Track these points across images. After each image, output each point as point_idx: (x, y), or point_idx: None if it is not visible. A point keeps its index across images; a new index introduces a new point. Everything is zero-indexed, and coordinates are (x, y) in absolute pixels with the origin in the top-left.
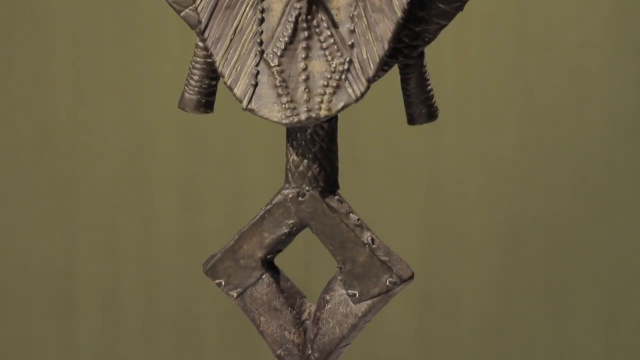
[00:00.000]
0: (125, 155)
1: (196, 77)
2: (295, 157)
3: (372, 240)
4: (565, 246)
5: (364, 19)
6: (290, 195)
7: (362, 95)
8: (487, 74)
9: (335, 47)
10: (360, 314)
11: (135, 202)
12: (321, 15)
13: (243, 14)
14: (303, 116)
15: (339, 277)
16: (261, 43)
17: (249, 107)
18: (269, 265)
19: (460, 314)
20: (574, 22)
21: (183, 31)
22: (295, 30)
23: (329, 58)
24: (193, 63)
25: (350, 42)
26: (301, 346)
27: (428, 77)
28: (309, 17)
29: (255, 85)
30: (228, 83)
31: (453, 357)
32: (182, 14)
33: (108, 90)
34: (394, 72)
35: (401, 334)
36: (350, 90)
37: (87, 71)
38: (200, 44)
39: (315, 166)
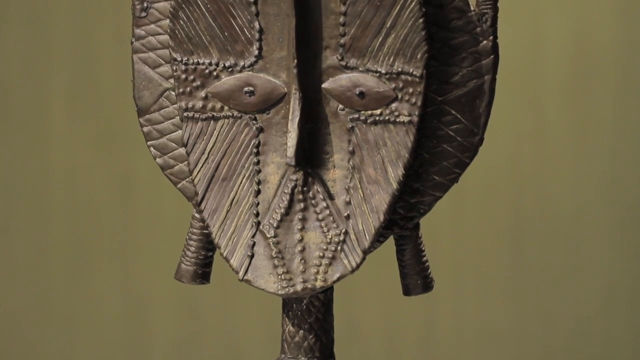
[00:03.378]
0: (121, 326)
1: (193, 248)
2: (291, 328)
3: None
4: None
5: (360, 190)
6: None
7: (358, 266)
8: (482, 245)
9: (331, 218)
10: None
11: None
12: (317, 187)
13: (239, 185)
14: (299, 287)
15: None
16: (257, 214)
17: (246, 278)
18: None
19: None
20: (569, 192)
21: (179, 202)
22: (291, 201)
23: (325, 229)
24: (189, 234)
25: (346, 214)
26: None
27: (423, 249)
28: (305, 188)
29: (252, 256)
30: (224, 254)
31: None
32: (178, 185)
33: (105, 259)
34: (390, 242)
35: None
36: (346, 262)
37: (84, 241)
38: (197, 215)
39: (311, 337)
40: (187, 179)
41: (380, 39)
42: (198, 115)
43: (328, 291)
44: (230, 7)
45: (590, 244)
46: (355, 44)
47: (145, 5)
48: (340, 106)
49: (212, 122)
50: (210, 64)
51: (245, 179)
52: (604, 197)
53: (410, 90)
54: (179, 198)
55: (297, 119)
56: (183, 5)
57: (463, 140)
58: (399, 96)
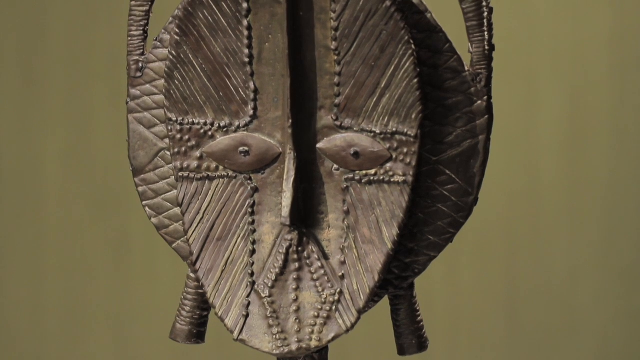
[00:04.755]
0: None
1: (188, 308)
2: None
3: None
4: None
5: (355, 250)
6: None
7: (353, 326)
8: (477, 304)
9: (326, 278)
10: None
11: None
12: (312, 247)
13: (234, 245)
14: (294, 347)
15: None
16: (252, 274)
17: (240, 337)
18: None
19: None
20: (563, 252)
21: (174, 262)
22: (286, 261)
23: (320, 289)
24: (185, 294)
25: (340, 273)
26: None
27: (418, 308)
28: (299, 248)
29: (247, 316)
30: (219, 314)
31: None
32: (173, 245)
33: (99, 319)
34: (385, 302)
35: None
36: (340, 321)
37: (78, 301)
38: (192, 275)
39: None
40: (182, 239)
41: (374, 99)
42: (193, 175)
43: (323, 351)
44: (225, 67)
45: (584, 305)
46: (349, 104)
47: (141, 65)
48: (335, 166)
49: (207, 182)
50: (205, 123)
51: (240, 238)
52: (598, 258)
53: (405, 150)
54: (174, 258)
55: (292, 179)
56: (178, 66)
57: (457, 200)
58: (394, 156)
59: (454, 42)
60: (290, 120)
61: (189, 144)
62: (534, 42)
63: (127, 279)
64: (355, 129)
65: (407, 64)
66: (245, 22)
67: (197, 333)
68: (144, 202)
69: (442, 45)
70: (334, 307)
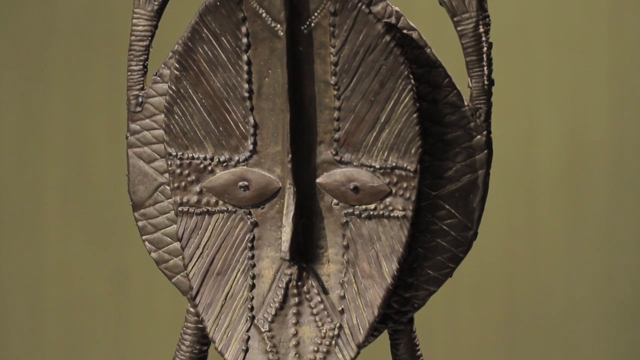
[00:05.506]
0: None
1: (187, 342)
2: None
3: None
4: None
5: (354, 285)
6: None
7: None
8: (476, 339)
9: (326, 312)
10: None
11: None
12: (312, 282)
13: (234, 280)
14: None
15: None
16: (252, 309)
17: None
18: None
19: None
20: (562, 287)
21: (174, 297)
22: (285, 296)
23: (319, 324)
24: (184, 328)
25: (340, 308)
26: None
27: (417, 343)
28: (299, 283)
29: (246, 350)
30: (219, 348)
31: None
32: (173, 280)
33: (99, 354)
34: (384, 336)
35: None
36: (340, 356)
37: (78, 336)
38: (192, 309)
39: None
40: (181, 274)
41: (374, 134)
42: (193, 210)
43: None
44: (225, 102)
45: (583, 339)
46: (349, 138)
47: (140, 100)
48: (335, 201)
49: (206, 216)
50: (205, 158)
51: (239, 273)
52: (597, 293)
53: (405, 185)
54: (174, 292)
55: (291, 214)
56: (178, 100)
57: (457, 235)
58: (393, 191)
59: (454, 77)
60: (290, 155)
61: (189, 179)
62: (533, 77)
63: (127, 314)
64: (354, 163)
65: (407, 98)
66: (245, 57)
67: None
68: (143, 237)
69: (442, 80)
70: (333, 342)
